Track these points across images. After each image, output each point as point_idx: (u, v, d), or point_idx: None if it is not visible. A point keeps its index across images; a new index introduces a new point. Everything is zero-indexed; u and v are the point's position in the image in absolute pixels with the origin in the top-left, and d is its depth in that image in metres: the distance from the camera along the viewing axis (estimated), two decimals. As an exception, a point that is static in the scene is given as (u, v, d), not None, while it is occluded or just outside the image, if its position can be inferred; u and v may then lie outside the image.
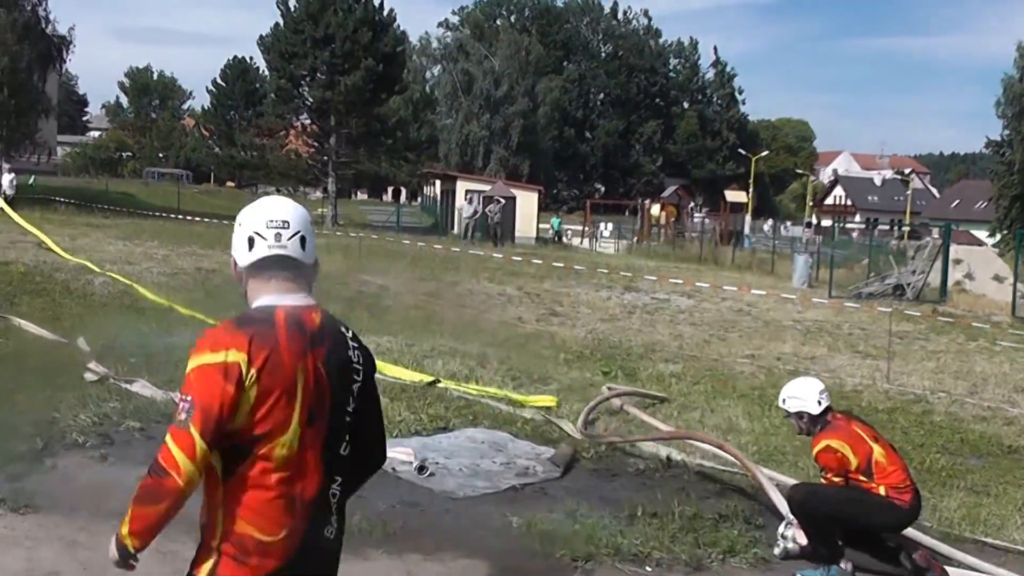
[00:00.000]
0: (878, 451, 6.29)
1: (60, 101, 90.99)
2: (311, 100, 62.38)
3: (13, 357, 11.15)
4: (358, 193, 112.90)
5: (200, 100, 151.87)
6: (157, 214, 43.77)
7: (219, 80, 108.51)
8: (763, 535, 6.94)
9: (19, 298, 16.08)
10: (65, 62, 59.47)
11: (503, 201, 48.03)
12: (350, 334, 3.51)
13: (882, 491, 6.23)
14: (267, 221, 3.27)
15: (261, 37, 63.88)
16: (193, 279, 20.51)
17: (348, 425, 3.28)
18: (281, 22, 61.86)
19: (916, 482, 6.51)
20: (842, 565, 6.34)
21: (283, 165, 72.81)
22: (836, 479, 6.30)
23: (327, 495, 3.19)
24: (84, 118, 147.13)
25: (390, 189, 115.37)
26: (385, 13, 62.19)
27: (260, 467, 3.03)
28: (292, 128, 69.36)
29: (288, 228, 3.29)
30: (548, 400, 10.86)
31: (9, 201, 42.10)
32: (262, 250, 3.24)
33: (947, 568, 6.46)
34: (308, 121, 66.20)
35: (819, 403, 6.45)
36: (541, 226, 58.35)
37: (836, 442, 6.28)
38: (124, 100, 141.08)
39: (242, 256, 3.28)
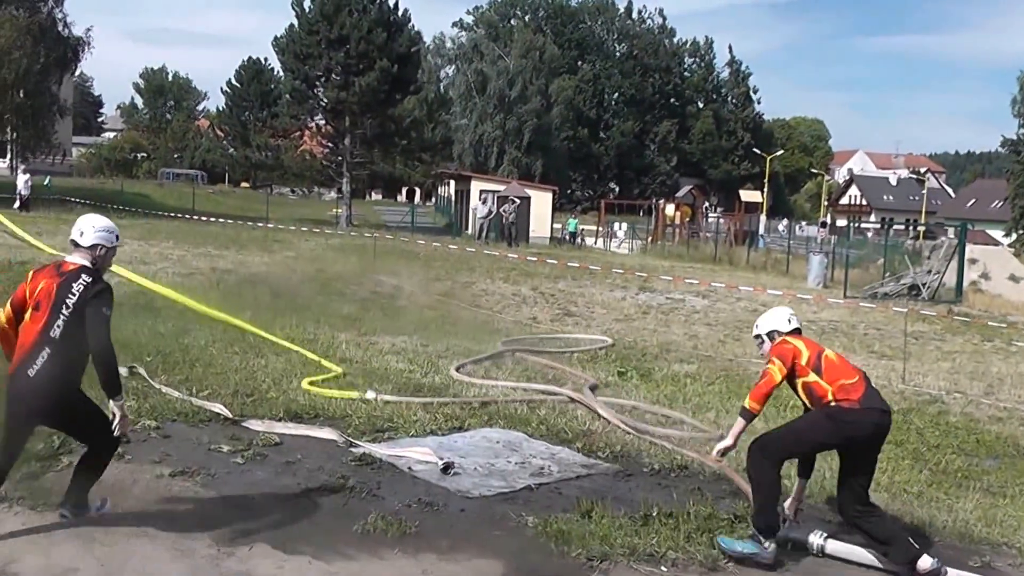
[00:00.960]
0: (829, 352, 6.61)
1: (75, 103, 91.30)
2: (326, 101, 62.46)
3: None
4: (373, 194, 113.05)
5: (215, 101, 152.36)
6: (172, 215, 43.91)
7: (234, 81, 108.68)
8: (779, 536, 6.93)
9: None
10: (80, 64, 59.65)
11: (517, 201, 48.07)
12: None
13: (830, 395, 6.39)
14: None
15: (276, 38, 63.97)
16: (208, 279, 20.56)
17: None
18: (296, 23, 61.97)
19: (878, 396, 6.67)
20: (768, 546, 6.41)
21: (298, 166, 73.03)
22: (777, 369, 6.49)
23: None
24: (99, 119, 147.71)
25: (404, 189, 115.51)
26: (400, 14, 62.27)
27: None
28: (307, 129, 69.53)
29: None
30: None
31: (25, 201, 42.33)
32: None
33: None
34: (323, 122, 66.30)
35: (788, 322, 6.78)
36: (556, 227, 58.36)
37: (792, 339, 6.63)
38: (139, 101, 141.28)
39: None
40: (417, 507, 7.12)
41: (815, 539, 6.71)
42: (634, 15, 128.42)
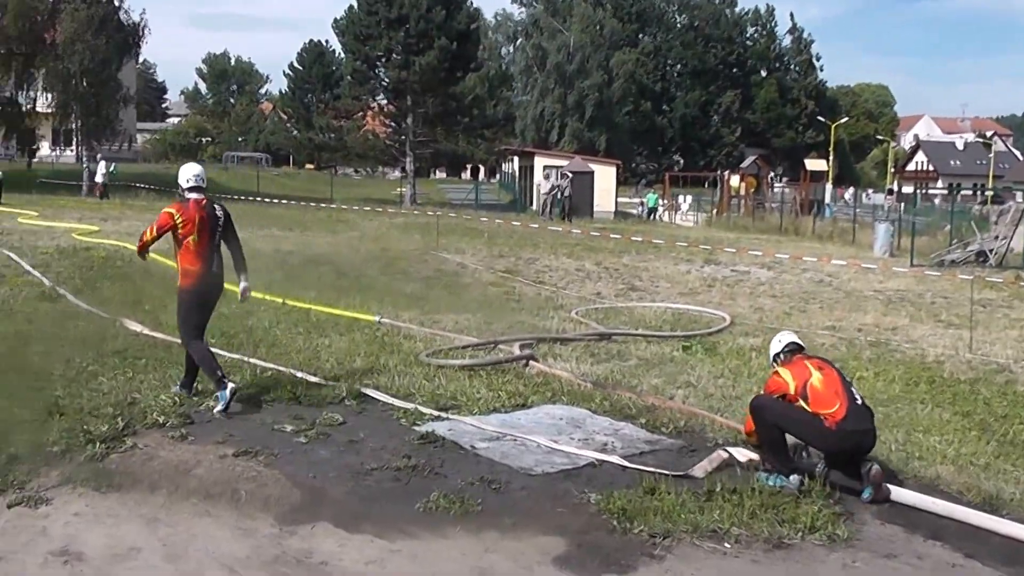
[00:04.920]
0: (816, 378, 7.32)
1: (139, 89, 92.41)
2: (387, 81, 62.71)
3: (95, 340, 11.35)
4: (437, 172, 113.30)
5: (277, 84, 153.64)
6: (237, 197, 44.28)
7: (296, 64, 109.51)
8: (843, 511, 6.81)
9: (100, 283, 16.38)
10: (141, 51, 60.32)
11: (570, 175, 47.77)
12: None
13: (814, 412, 7.25)
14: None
15: (336, 20, 64.40)
16: (272, 260, 20.67)
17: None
18: (355, 4, 62.22)
19: (867, 409, 7.37)
20: (792, 478, 7.19)
21: (361, 146, 73.27)
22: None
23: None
24: (163, 105, 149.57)
25: (468, 167, 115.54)
26: (456, -11, 62.16)
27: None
28: (369, 109, 69.70)
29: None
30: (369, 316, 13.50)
31: (103, 189, 42.92)
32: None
33: (892, 488, 7.17)
34: (384, 102, 66.54)
35: (779, 341, 7.94)
36: (622, 200, 58.04)
37: (783, 370, 7.55)
38: (202, 87, 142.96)
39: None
40: (479, 485, 7.08)
41: (820, 467, 7.34)
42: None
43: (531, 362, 11.06)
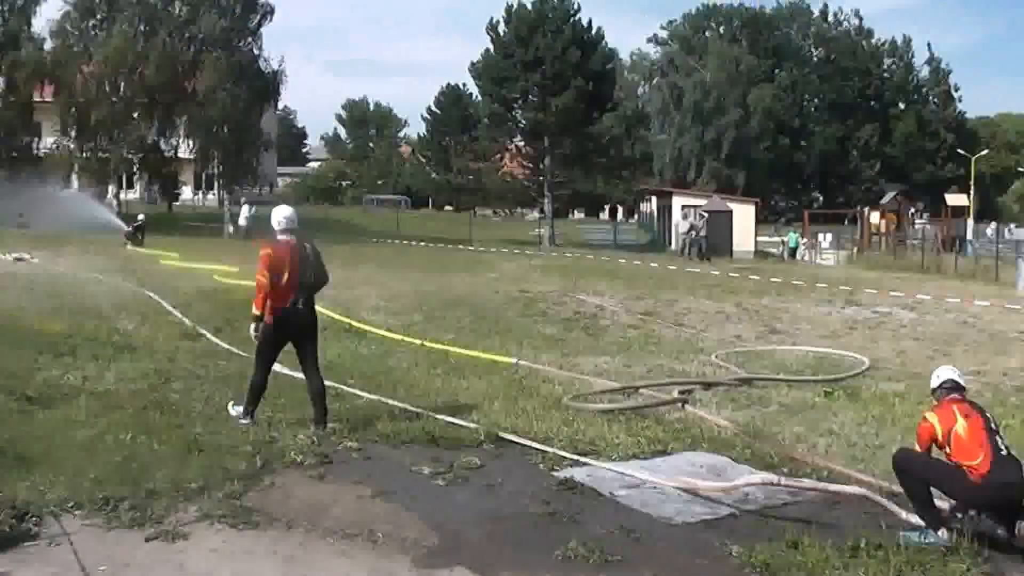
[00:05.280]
0: (960, 426, 6.95)
1: (280, 135, 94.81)
2: (524, 122, 63.19)
3: (235, 379, 11.56)
4: (575, 212, 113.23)
5: (415, 127, 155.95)
6: (377, 240, 45.00)
7: (434, 107, 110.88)
8: (993, 571, 6.51)
9: (240, 323, 16.74)
10: (280, 97, 62.15)
11: (706, 216, 47.30)
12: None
13: (957, 463, 6.94)
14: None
15: (473, 63, 65.10)
16: (412, 302, 20.90)
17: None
18: (491, 47, 62.89)
19: (1014, 460, 6.91)
20: (940, 533, 6.83)
21: (499, 188, 74.03)
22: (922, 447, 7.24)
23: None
24: (304, 150, 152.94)
25: (606, 207, 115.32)
26: (593, 32, 62.44)
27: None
28: (506, 151, 70.39)
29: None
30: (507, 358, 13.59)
31: (247, 231, 43.95)
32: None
33: None
34: (522, 143, 67.02)
35: (937, 377, 7.53)
36: (761, 239, 57.24)
37: (930, 414, 7.22)
38: (342, 131, 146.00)
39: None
40: (619, 534, 6.97)
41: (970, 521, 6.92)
42: (829, 18, 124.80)
43: (684, 406, 10.95)
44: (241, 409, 9.58)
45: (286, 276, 9.30)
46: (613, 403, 11.13)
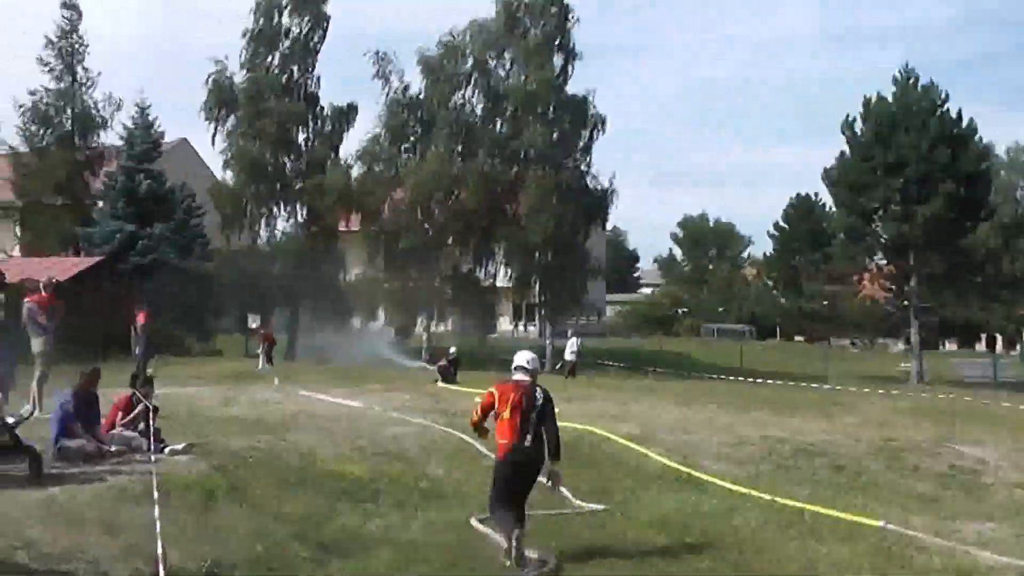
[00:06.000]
0: None
1: (608, 259, 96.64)
2: (885, 237, 61.75)
3: (557, 532, 11.67)
4: (945, 343, 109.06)
5: (760, 246, 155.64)
6: (717, 375, 44.81)
7: (781, 222, 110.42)
8: None
9: (564, 470, 16.95)
10: (608, 216, 63.18)
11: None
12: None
13: None
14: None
15: (825, 169, 64.46)
16: (759, 449, 20.60)
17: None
18: (847, 150, 62.16)
19: None
20: None
21: (857, 314, 72.35)
22: None
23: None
24: (635, 275, 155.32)
25: (983, 336, 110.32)
26: (964, 125, 60.56)
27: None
28: (865, 271, 68.88)
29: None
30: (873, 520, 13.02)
31: (572, 367, 44.64)
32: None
33: None
34: (883, 261, 65.48)
35: None
36: None
37: None
38: (677, 252, 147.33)
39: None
40: None
41: None
42: None
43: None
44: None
45: (507, 414, 11.04)
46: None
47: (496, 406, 11.21)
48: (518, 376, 11.46)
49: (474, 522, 12.14)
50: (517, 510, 10.91)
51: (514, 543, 10.34)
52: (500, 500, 11.07)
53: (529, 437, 10.95)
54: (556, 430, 11.25)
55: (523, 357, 11.63)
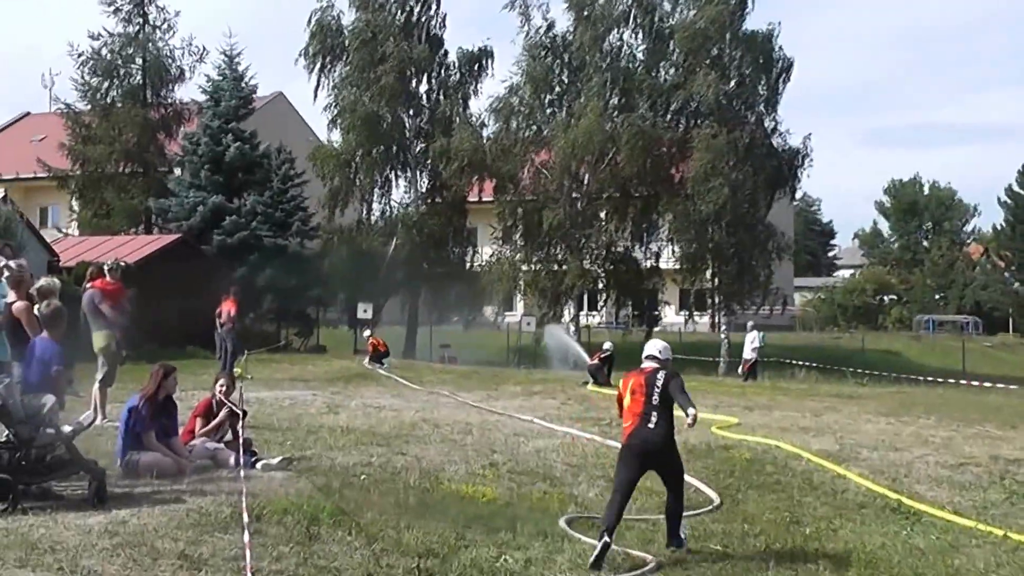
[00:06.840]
0: None
1: (797, 235, 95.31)
2: None
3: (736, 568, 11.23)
4: None
5: (989, 217, 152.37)
6: (933, 379, 43.81)
7: (1015, 187, 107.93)
8: None
9: (744, 492, 16.44)
10: (798, 183, 61.48)
11: None
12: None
13: None
14: None
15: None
16: (987, 472, 19.87)
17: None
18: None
19: None
20: None
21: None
22: None
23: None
24: (830, 254, 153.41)
25: None
26: None
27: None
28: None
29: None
30: None
31: (751, 367, 44.03)
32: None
33: None
34: None
35: None
36: None
37: None
38: (884, 226, 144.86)
39: None
40: None
41: None
42: None
43: None
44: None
45: (628, 399, 12.22)
46: None
47: (623, 391, 12.34)
48: (647, 363, 12.45)
49: (562, 523, 12.97)
50: (624, 502, 12.05)
51: (598, 549, 11.15)
52: (622, 486, 12.07)
53: (652, 422, 11.93)
54: (687, 398, 12.05)
55: (654, 346, 12.71)
